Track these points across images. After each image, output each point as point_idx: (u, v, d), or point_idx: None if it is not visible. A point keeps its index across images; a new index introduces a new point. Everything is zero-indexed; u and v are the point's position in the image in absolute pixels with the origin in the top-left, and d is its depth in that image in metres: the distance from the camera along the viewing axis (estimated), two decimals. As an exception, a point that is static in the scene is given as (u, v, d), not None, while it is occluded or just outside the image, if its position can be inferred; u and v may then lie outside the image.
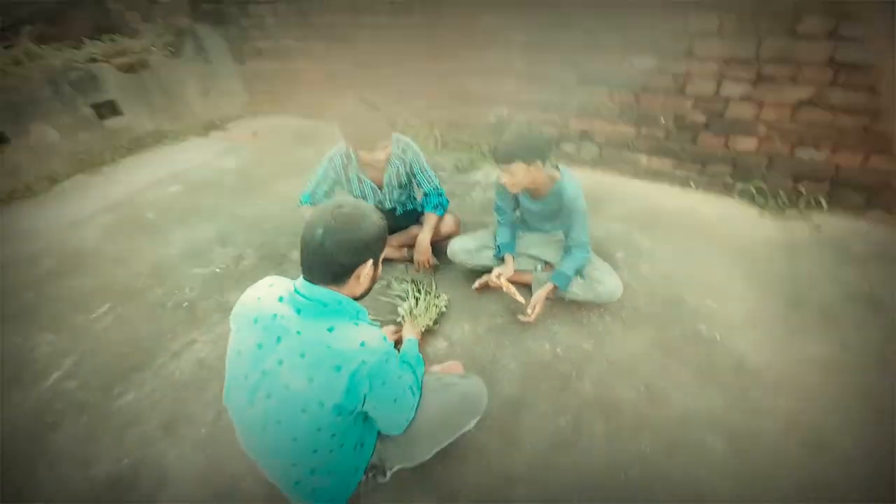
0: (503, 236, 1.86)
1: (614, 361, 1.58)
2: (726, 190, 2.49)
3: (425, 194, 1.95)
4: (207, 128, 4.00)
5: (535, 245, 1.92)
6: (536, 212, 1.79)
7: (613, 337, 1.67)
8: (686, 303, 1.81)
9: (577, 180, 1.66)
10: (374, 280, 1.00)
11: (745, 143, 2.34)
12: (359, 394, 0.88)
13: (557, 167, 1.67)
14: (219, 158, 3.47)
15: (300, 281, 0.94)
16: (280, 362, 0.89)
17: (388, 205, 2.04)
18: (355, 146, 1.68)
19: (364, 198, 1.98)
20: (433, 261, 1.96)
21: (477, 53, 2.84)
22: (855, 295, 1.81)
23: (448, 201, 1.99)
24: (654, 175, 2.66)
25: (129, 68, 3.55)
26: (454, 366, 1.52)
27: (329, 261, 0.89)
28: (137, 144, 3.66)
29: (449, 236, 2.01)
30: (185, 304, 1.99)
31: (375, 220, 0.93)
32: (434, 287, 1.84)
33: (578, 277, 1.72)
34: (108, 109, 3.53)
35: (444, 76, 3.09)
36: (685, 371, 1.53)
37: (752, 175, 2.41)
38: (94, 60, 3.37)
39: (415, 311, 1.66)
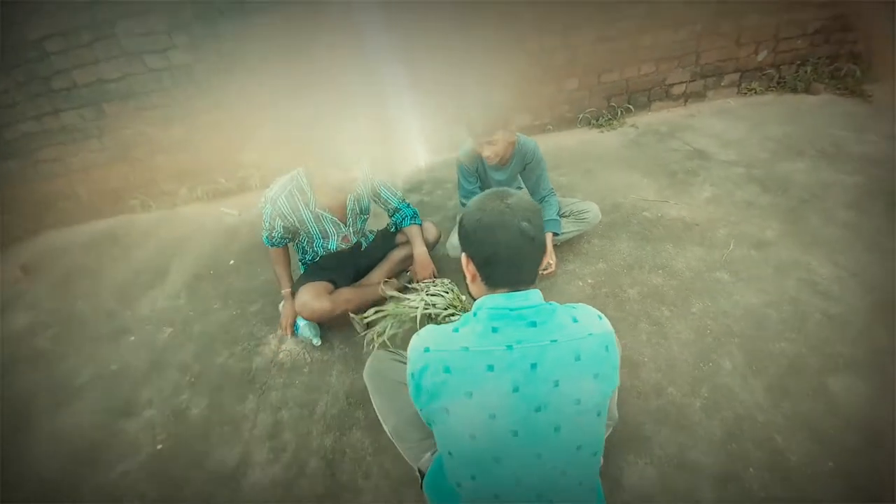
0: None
1: (630, 264, 1.86)
2: (571, 124, 3.12)
3: (396, 210, 1.76)
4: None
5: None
6: (503, 179, 1.86)
7: (613, 247, 1.95)
8: (624, 203, 2.25)
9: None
10: None
11: (570, 83, 2.96)
12: (618, 365, 0.80)
13: None
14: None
15: (501, 298, 0.77)
16: (556, 384, 0.72)
17: (353, 238, 1.75)
18: (329, 168, 1.40)
19: (325, 237, 1.65)
20: (436, 272, 1.80)
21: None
22: (682, 154, 2.61)
23: (420, 219, 1.84)
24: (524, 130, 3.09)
25: None
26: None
27: (539, 249, 0.81)
28: None
29: (433, 243, 1.87)
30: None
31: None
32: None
33: (562, 219, 1.89)
34: None
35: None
36: (655, 246, 1.96)
37: (581, 106, 3.08)
38: None
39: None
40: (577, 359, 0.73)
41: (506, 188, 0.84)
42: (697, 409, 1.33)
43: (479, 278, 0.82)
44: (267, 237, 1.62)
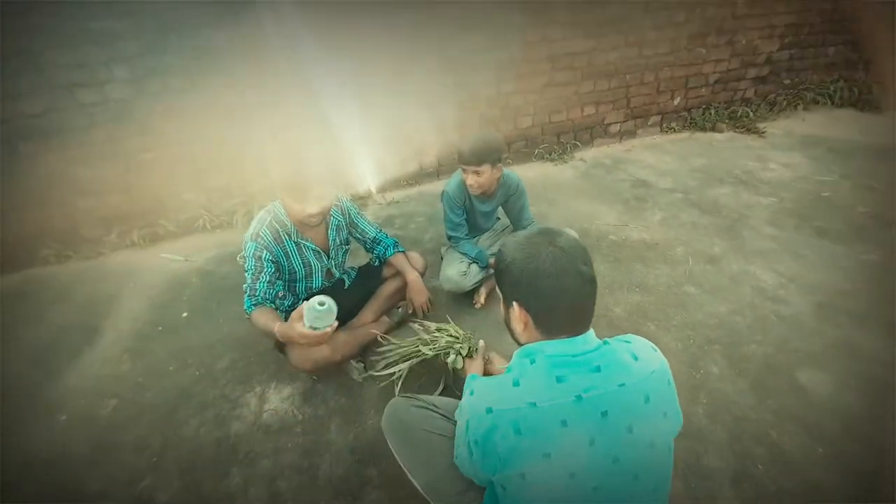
0: (472, 247, 1.88)
1: (610, 284, 1.98)
2: (529, 157, 3.33)
3: (374, 241, 1.69)
4: None
5: (489, 243, 2.03)
6: (488, 211, 1.92)
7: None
8: (590, 229, 2.40)
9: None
10: None
11: (525, 121, 3.20)
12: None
13: None
14: None
15: (561, 345, 0.75)
16: (629, 430, 0.70)
17: (337, 273, 1.64)
18: (292, 201, 1.31)
19: (309, 274, 1.53)
20: (431, 299, 1.74)
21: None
22: (629, 183, 2.90)
23: (403, 247, 1.79)
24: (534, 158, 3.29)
25: None
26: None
27: (588, 306, 0.76)
28: None
29: (422, 272, 1.81)
30: None
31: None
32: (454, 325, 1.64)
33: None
34: None
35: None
36: (627, 266, 2.11)
37: (536, 143, 3.32)
38: None
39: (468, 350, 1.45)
40: (647, 401, 0.71)
41: (546, 227, 0.82)
42: (701, 416, 1.40)
43: (531, 325, 0.77)
44: (249, 294, 1.35)
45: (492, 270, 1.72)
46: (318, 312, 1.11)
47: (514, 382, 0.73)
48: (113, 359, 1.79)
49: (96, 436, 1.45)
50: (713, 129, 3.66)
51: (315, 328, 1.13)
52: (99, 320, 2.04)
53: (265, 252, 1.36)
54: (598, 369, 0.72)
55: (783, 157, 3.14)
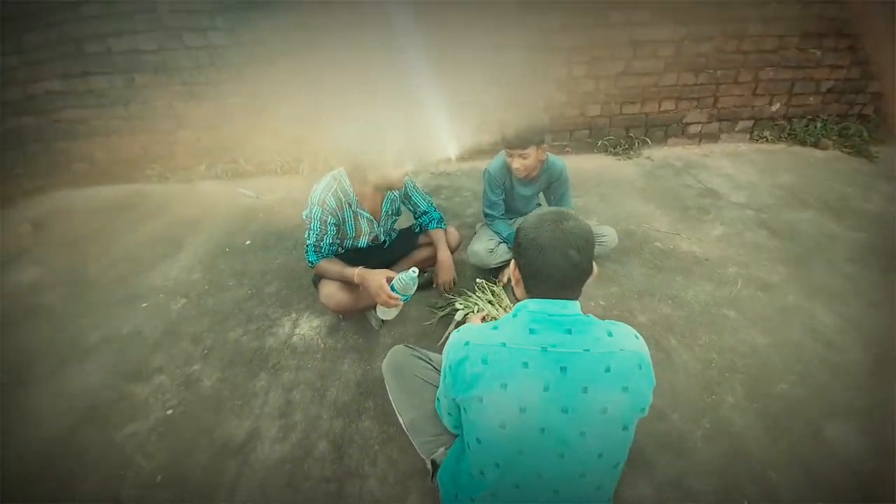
0: (505, 227, 1.92)
1: (641, 291, 1.90)
2: (590, 148, 3.21)
3: (423, 213, 1.80)
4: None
5: (525, 227, 2.06)
6: (528, 195, 1.93)
7: (626, 273, 2.00)
8: (637, 231, 2.31)
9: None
10: None
11: (593, 109, 3.07)
12: (653, 385, 0.84)
13: None
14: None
15: (542, 304, 0.83)
16: (584, 390, 0.76)
17: (381, 237, 1.78)
18: (375, 168, 1.43)
19: (358, 236, 1.68)
20: (456, 279, 1.84)
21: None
22: (695, 190, 2.70)
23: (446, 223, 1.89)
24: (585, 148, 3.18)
25: None
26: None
27: (583, 274, 0.84)
28: None
29: (453, 248, 1.91)
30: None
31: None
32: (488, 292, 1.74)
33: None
34: None
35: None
36: (666, 276, 2.01)
37: (601, 133, 3.18)
38: None
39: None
40: (607, 370, 0.77)
41: (566, 209, 0.88)
42: (698, 438, 1.36)
43: (521, 284, 0.88)
44: (313, 250, 1.54)
45: None
46: (409, 281, 1.35)
47: (493, 327, 0.84)
48: (188, 268, 2.14)
49: (166, 324, 1.78)
50: (815, 145, 3.22)
51: (396, 292, 1.37)
52: (183, 236, 2.42)
53: (329, 217, 1.52)
54: (568, 332, 0.79)
55: (891, 188, 2.71)
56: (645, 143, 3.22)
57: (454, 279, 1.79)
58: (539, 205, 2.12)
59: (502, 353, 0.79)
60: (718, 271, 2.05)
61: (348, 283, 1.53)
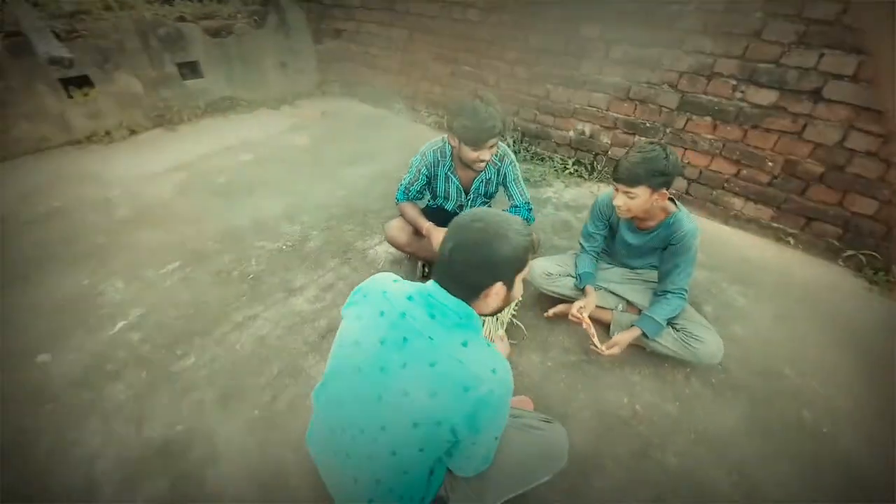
0: (585, 265, 1.70)
1: (703, 434, 1.39)
2: (831, 254, 2.23)
3: (515, 206, 1.81)
4: (279, 101, 4.02)
5: (618, 281, 1.75)
6: (634, 245, 1.62)
7: (702, 404, 1.48)
8: (787, 378, 1.59)
9: (694, 218, 1.49)
10: (506, 301, 0.88)
11: (863, 204, 2.07)
12: (477, 422, 0.77)
13: (673, 200, 1.50)
14: (288, 134, 3.47)
15: (433, 284, 0.85)
16: (404, 365, 0.79)
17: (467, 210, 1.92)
18: (460, 141, 1.57)
19: (446, 198, 1.87)
20: None
21: (569, 63, 2.67)
22: None
23: (535, 219, 1.85)
24: (748, 223, 2.42)
25: (215, 32, 3.59)
26: (525, 401, 1.39)
27: (457, 277, 0.82)
28: (212, 108, 3.71)
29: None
30: (251, 276, 1.96)
31: (514, 239, 0.81)
32: None
33: (670, 328, 1.53)
34: (190, 70, 3.58)
35: (528, 81, 2.94)
36: (787, 464, 1.33)
37: (864, 242, 2.13)
38: (182, 19, 3.41)
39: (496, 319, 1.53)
40: (432, 366, 0.77)
41: (504, 214, 0.84)
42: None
43: None
44: (403, 191, 1.78)
45: (582, 301, 1.58)
46: None
47: (395, 280, 0.91)
48: (369, 175, 2.84)
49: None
50: None
51: None
52: (376, 150, 3.16)
53: (424, 168, 1.76)
54: (432, 316, 0.81)
55: None
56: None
57: None
58: (655, 267, 1.72)
59: (378, 298, 0.87)
60: None
61: (417, 232, 1.77)
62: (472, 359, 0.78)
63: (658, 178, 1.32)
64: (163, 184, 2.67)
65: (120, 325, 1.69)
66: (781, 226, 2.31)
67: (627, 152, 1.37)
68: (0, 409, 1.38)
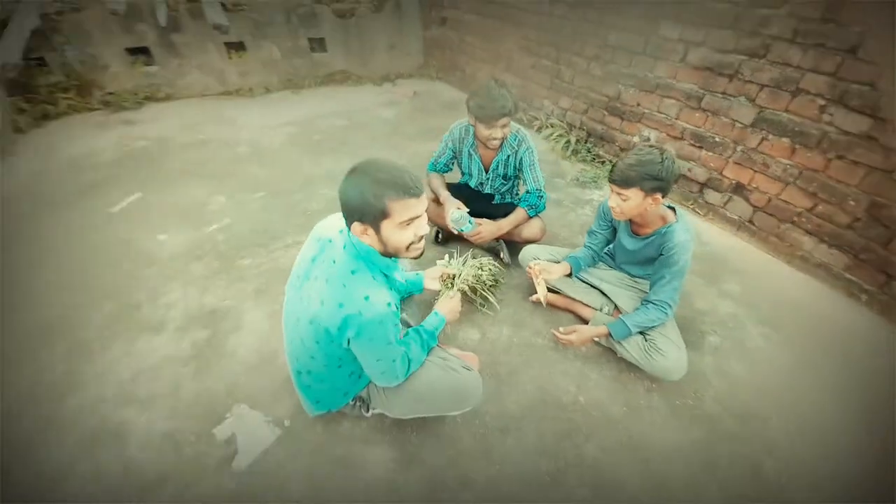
0: (578, 253, 1.77)
1: (636, 440, 1.40)
2: (883, 308, 1.84)
3: (527, 191, 1.93)
4: (383, 79, 4.56)
5: (614, 283, 1.76)
6: (631, 250, 1.63)
7: (652, 417, 1.46)
8: (767, 424, 1.46)
9: (692, 231, 1.46)
10: (385, 244, 1.01)
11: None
12: (345, 334, 1.00)
13: (674, 209, 1.49)
14: (380, 107, 3.96)
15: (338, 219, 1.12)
16: (316, 278, 1.06)
17: (487, 189, 2.08)
18: (475, 119, 1.75)
19: (470, 175, 2.07)
20: (492, 245, 1.97)
21: (645, 63, 2.57)
22: None
23: (545, 207, 1.94)
24: (816, 268, 2.10)
25: (341, 14, 4.21)
26: (470, 357, 1.55)
27: (343, 208, 1.00)
28: (329, 78, 4.40)
29: (529, 241, 1.97)
30: (309, 213, 2.44)
31: (368, 187, 0.93)
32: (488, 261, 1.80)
33: (640, 336, 1.53)
34: (318, 45, 4.29)
35: (601, 80, 2.88)
36: (717, 497, 1.27)
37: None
38: (318, 1, 4.09)
39: (456, 280, 1.62)
40: (327, 282, 1.01)
41: (391, 162, 0.97)
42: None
43: None
44: (433, 162, 2.00)
45: (548, 263, 1.71)
46: (458, 217, 1.81)
47: (340, 231, 1.15)
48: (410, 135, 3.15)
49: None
50: None
51: (454, 220, 1.82)
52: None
53: (450, 143, 1.97)
54: (344, 246, 1.06)
55: None
56: None
57: (485, 241, 1.93)
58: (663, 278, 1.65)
59: (325, 229, 1.13)
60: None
61: (436, 200, 2.01)
62: (353, 284, 0.98)
63: (651, 181, 1.32)
64: (276, 134, 3.36)
65: (213, 227, 2.31)
66: (856, 278, 1.96)
67: (626, 154, 1.39)
68: (133, 264, 2.04)
